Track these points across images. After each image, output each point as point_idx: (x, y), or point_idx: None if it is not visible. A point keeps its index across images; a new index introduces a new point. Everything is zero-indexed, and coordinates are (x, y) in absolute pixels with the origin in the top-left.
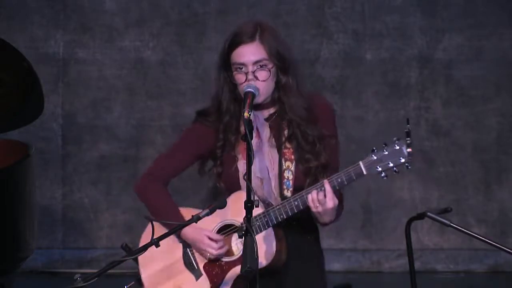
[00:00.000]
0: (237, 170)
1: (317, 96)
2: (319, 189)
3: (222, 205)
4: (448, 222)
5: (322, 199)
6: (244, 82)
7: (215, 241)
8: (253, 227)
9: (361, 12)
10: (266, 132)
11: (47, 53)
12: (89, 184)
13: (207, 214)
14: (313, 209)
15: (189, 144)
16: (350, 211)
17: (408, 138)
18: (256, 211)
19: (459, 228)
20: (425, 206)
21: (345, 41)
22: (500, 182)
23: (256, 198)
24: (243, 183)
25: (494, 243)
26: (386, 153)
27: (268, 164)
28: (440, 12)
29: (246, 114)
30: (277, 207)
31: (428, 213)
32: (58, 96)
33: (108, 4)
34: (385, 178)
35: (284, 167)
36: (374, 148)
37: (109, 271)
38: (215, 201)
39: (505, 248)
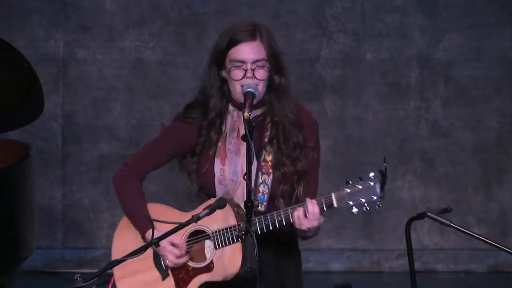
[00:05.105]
0: (211, 172)
1: (304, 109)
2: (303, 208)
3: (222, 205)
4: (448, 222)
5: (303, 217)
6: (241, 78)
7: (178, 247)
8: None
9: (361, 12)
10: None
11: (47, 53)
12: (89, 184)
13: (207, 214)
14: (297, 226)
15: (170, 142)
16: None
17: (384, 178)
18: (230, 222)
19: (459, 228)
20: (425, 206)
21: (345, 41)
22: (500, 182)
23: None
24: (218, 187)
25: (494, 243)
26: (360, 187)
27: (242, 169)
28: (440, 12)
29: (246, 114)
30: (258, 219)
31: (428, 213)
32: (58, 96)
33: (108, 4)
34: (355, 213)
35: (260, 181)
36: (348, 181)
37: (109, 271)
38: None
39: (505, 248)
